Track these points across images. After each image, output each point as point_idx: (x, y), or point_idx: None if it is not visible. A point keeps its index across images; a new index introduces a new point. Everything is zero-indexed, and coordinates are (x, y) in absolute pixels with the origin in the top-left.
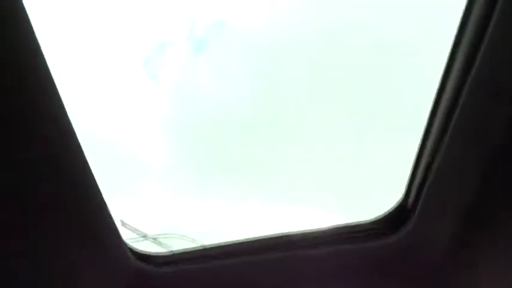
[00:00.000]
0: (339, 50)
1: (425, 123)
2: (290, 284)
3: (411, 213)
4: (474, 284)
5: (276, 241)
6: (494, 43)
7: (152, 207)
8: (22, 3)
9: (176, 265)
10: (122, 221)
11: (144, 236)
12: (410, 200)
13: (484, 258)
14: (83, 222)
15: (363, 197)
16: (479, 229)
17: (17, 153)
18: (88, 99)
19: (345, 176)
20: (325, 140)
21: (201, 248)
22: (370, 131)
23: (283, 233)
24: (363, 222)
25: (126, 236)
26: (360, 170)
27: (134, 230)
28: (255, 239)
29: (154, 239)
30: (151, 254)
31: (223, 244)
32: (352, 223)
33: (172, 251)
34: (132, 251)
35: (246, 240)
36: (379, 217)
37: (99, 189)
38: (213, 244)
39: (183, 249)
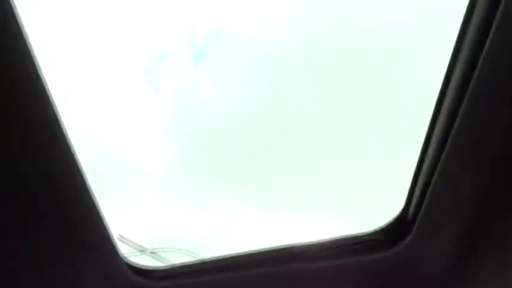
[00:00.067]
0: (339, 58)
1: (424, 137)
2: None
3: (410, 227)
4: None
5: (274, 254)
6: (489, 64)
7: (152, 219)
8: (15, 10)
9: (175, 279)
10: (119, 235)
11: (142, 250)
12: (410, 213)
13: (482, 272)
14: (79, 237)
15: (364, 204)
16: (478, 243)
17: (12, 169)
18: (88, 107)
19: (346, 183)
20: (325, 148)
21: (199, 261)
22: (371, 137)
23: (281, 246)
24: (361, 234)
25: (124, 250)
26: (360, 178)
27: (132, 244)
28: (254, 252)
29: (153, 253)
30: (149, 269)
31: (222, 257)
32: (350, 235)
33: (170, 265)
34: (129, 265)
35: (244, 254)
36: (378, 229)
37: (96, 204)
38: (211, 258)
39: (182, 263)
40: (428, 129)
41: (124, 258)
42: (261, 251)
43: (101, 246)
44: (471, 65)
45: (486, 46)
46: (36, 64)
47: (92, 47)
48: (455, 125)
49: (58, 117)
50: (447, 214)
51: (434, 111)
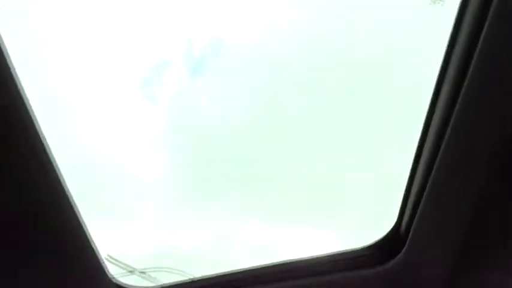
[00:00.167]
0: (337, 64)
1: (415, 152)
2: None
3: (403, 242)
4: None
5: (267, 272)
6: (475, 86)
7: (144, 234)
8: None
9: None
10: (108, 255)
11: (131, 271)
12: (402, 228)
13: (476, 286)
14: (66, 258)
15: (361, 216)
16: (471, 258)
17: None
18: (86, 118)
19: (343, 194)
20: (322, 159)
21: (189, 281)
22: (369, 144)
23: (274, 263)
24: (354, 250)
25: (113, 271)
26: (357, 188)
27: (121, 265)
28: (244, 270)
29: (142, 272)
30: None
31: (213, 276)
32: (343, 251)
33: (160, 285)
34: (118, 286)
35: (235, 272)
36: (371, 245)
37: (82, 225)
38: (202, 277)
39: (171, 283)
40: (419, 143)
41: (112, 279)
42: (252, 268)
43: (89, 267)
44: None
45: (474, 57)
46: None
47: (89, 59)
48: (445, 140)
49: (42, 139)
50: (439, 229)
51: (423, 128)
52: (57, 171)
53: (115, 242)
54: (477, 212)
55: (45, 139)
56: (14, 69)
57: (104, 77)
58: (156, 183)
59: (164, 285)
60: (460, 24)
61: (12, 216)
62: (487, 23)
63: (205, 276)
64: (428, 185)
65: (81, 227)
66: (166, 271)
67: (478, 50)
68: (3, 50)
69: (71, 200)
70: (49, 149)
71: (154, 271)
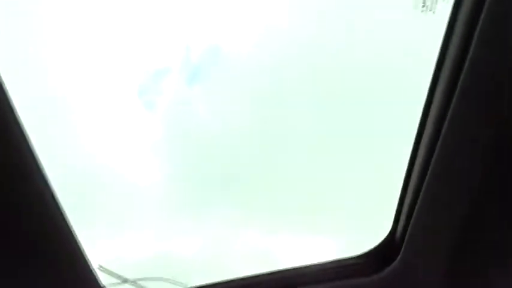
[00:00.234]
0: (335, 71)
1: (409, 158)
2: None
3: (397, 250)
4: None
5: (261, 280)
6: (467, 95)
7: (139, 243)
8: None
9: None
10: (99, 265)
11: (125, 280)
12: (397, 235)
13: None
14: (57, 269)
15: (360, 223)
16: (466, 265)
17: None
18: (83, 125)
19: (342, 200)
20: (321, 167)
21: None
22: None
23: (268, 272)
24: (349, 258)
25: (105, 281)
26: (356, 194)
27: (113, 274)
28: (239, 279)
29: (134, 282)
30: None
31: (205, 285)
32: (338, 259)
33: None
34: None
35: (228, 281)
36: (366, 253)
37: (74, 235)
38: (194, 286)
39: None
40: (413, 149)
41: None
42: (247, 277)
43: (80, 276)
44: (449, 94)
45: (464, 71)
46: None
47: (87, 66)
48: (438, 145)
49: (31, 147)
50: (434, 235)
51: (417, 134)
52: (46, 180)
53: (110, 251)
54: (471, 217)
55: (34, 149)
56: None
57: (102, 84)
58: (153, 190)
59: None
60: (452, 31)
61: (2, 226)
62: (478, 29)
63: (197, 285)
64: (422, 192)
65: (72, 236)
66: (159, 280)
67: (467, 61)
68: None
69: (61, 210)
70: (38, 159)
71: (146, 280)
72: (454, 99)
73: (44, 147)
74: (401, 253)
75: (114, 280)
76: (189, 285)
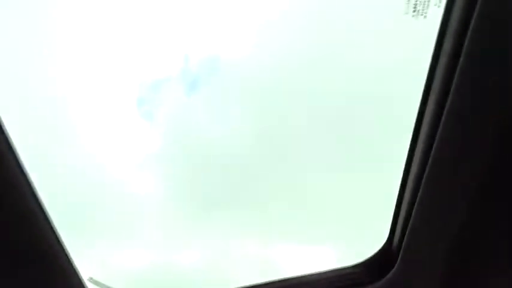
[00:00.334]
0: (334, 77)
1: (404, 168)
2: None
3: (394, 259)
4: None
5: None
6: (458, 103)
7: (139, 254)
8: None
9: None
10: (90, 277)
11: None
12: (394, 245)
13: None
14: (46, 281)
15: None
16: (463, 273)
17: None
18: (82, 137)
19: (341, 211)
20: (322, 177)
21: None
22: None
23: (265, 282)
24: (346, 268)
25: None
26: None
27: (104, 287)
28: None
29: None
30: None
31: None
32: (335, 269)
33: None
34: None
35: None
36: (363, 262)
37: (63, 247)
38: None
39: None
40: (407, 158)
41: None
42: (246, 287)
43: None
44: (442, 102)
45: (457, 73)
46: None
47: (85, 77)
48: (432, 154)
49: (18, 160)
50: (430, 245)
51: (411, 144)
52: (35, 193)
53: (106, 262)
54: (468, 225)
55: (22, 162)
56: None
57: (100, 96)
58: (151, 201)
59: None
60: (444, 35)
61: None
62: (469, 32)
63: None
64: (417, 201)
65: (61, 248)
66: None
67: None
68: None
69: (50, 222)
70: (27, 173)
71: None
72: (447, 106)
73: (40, 157)
74: (398, 262)
75: None
76: None
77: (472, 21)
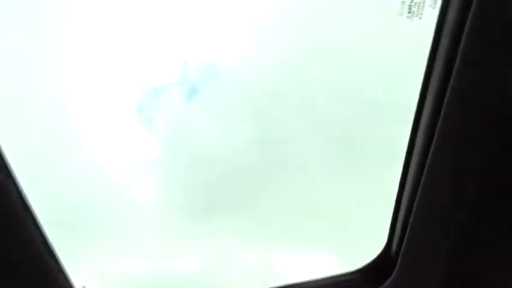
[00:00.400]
0: (332, 81)
1: (401, 173)
2: None
3: (393, 264)
4: None
5: None
6: (454, 112)
7: (138, 263)
8: None
9: None
10: (83, 286)
11: None
12: (392, 250)
13: None
14: None
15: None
16: (463, 277)
17: None
18: (81, 143)
19: (340, 217)
20: (319, 185)
21: None
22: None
23: None
24: (345, 274)
25: None
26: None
27: None
28: None
29: None
30: None
31: None
32: (334, 275)
33: None
34: None
35: None
36: (361, 268)
37: (55, 256)
38: None
39: None
40: (404, 164)
41: None
42: None
43: None
44: (437, 111)
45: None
46: None
47: (84, 85)
48: (429, 160)
49: (10, 171)
50: (429, 250)
51: (407, 150)
52: (25, 200)
53: (106, 270)
54: (466, 230)
55: (14, 171)
56: None
57: (100, 102)
58: (151, 207)
59: None
60: (440, 36)
61: None
62: (465, 31)
63: None
64: (415, 206)
65: (54, 257)
66: None
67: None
68: None
69: (42, 231)
70: (18, 183)
71: None
72: (444, 109)
73: (40, 161)
74: (396, 268)
75: None
76: None
77: (468, 22)
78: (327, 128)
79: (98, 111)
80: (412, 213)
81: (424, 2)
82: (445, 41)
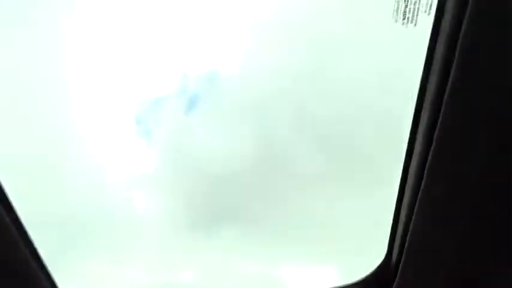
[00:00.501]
0: (331, 92)
1: (398, 187)
2: None
3: (394, 275)
4: None
5: None
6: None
7: (137, 275)
8: None
9: None
10: None
11: None
12: (392, 262)
13: None
14: None
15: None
16: (463, 285)
17: None
18: (81, 158)
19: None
20: (322, 196)
21: None
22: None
23: None
24: (347, 285)
25: None
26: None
27: None
28: None
29: None
30: None
31: None
32: (336, 287)
33: None
34: None
35: None
36: (363, 279)
37: (46, 270)
38: None
39: None
40: (403, 171)
41: None
42: None
43: None
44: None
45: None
46: None
47: (82, 96)
48: (427, 167)
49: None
50: (429, 259)
51: (405, 157)
52: (12, 208)
53: (104, 283)
54: (465, 241)
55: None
56: None
57: (97, 114)
58: (151, 220)
59: None
60: (435, 41)
61: None
62: (461, 36)
63: None
64: (414, 217)
65: (45, 271)
66: None
67: (455, 60)
68: None
69: (32, 243)
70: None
71: None
72: (441, 116)
73: (38, 174)
74: (397, 278)
75: None
76: None
77: (463, 27)
78: (328, 139)
79: (95, 123)
80: (411, 224)
81: (418, 8)
82: (440, 46)
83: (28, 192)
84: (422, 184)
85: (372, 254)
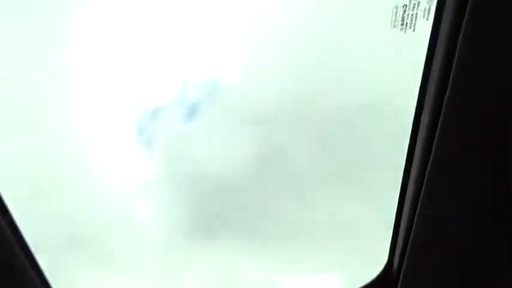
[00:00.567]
0: (330, 98)
1: (399, 194)
2: None
3: (394, 284)
4: None
5: None
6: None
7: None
8: None
9: None
10: None
11: None
12: (393, 270)
13: None
14: None
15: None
16: None
17: None
18: (81, 170)
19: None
20: (318, 202)
21: None
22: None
23: None
24: None
25: None
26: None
27: None
28: None
29: None
30: None
31: None
32: None
33: None
34: None
35: None
36: (364, 287)
37: (46, 280)
38: None
39: None
40: (403, 179)
41: None
42: None
43: None
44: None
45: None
46: None
47: (81, 106)
48: (427, 174)
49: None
50: (430, 266)
51: (406, 163)
52: (9, 214)
53: None
54: (466, 248)
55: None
56: None
57: (97, 123)
58: (151, 229)
59: None
60: (434, 47)
61: None
62: (460, 41)
63: None
64: (414, 225)
65: (42, 277)
66: None
67: (454, 65)
68: None
69: (28, 247)
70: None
71: None
72: (441, 122)
73: (38, 181)
74: (399, 285)
75: None
76: None
77: (461, 32)
78: (328, 147)
79: (93, 132)
80: (412, 231)
81: (416, 14)
82: (439, 52)
83: (25, 197)
84: (422, 191)
85: (373, 262)
